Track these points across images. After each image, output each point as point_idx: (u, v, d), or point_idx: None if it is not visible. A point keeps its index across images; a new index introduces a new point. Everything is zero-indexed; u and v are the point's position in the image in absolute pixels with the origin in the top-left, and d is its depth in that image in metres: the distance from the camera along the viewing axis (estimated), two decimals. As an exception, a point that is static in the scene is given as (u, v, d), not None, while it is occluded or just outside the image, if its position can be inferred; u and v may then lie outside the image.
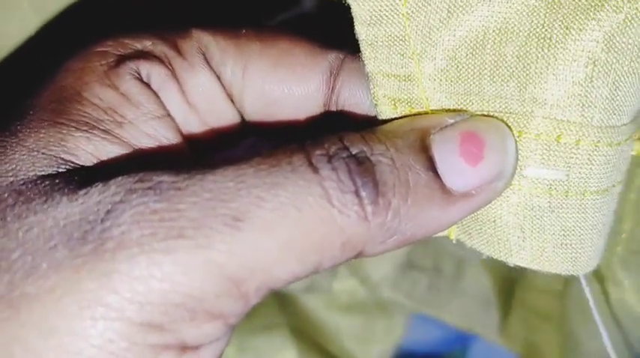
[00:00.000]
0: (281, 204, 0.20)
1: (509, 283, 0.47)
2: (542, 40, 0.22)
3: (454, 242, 0.27)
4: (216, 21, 0.27)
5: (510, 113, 0.23)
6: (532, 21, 0.22)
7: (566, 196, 0.24)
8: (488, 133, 0.23)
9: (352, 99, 0.26)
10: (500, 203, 0.25)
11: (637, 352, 0.38)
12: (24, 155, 0.22)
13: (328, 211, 0.21)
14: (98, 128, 0.23)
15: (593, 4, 0.21)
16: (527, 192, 0.24)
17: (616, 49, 0.22)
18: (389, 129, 0.24)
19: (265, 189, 0.20)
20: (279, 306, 0.48)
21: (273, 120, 0.27)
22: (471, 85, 0.23)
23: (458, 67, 0.23)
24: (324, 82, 0.26)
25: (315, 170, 0.21)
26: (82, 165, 0.22)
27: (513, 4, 0.22)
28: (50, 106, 0.23)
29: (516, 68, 0.23)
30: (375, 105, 0.25)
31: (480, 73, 0.23)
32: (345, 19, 0.24)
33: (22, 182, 0.21)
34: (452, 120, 0.23)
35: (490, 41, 0.23)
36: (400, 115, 0.25)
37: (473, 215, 0.25)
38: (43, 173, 0.21)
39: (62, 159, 0.22)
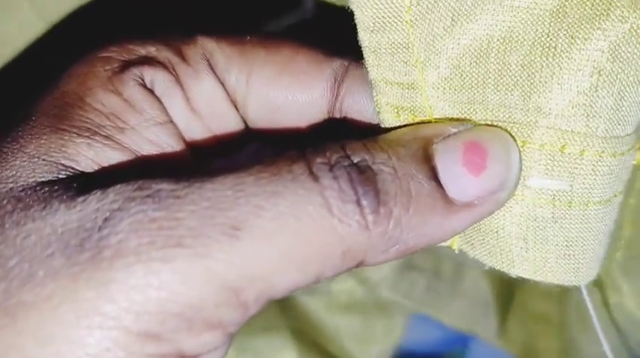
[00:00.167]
0: (280, 213, 0.20)
1: (509, 286, 0.47)
2: (546, 49, 0.21)
3: (457, 252, 0.26)
4: (219, 26, 0.27)
5: (514, 123, 0.23)
6: (537, 30, 0.21)
7: (570, 207, 0.23)
8: (492, 143, 0.22)
9: (356, 107, 0.26)
10: (503, 213, 0.24)
11: (636, 355, 0.38)
12: (24, 161, 0.21)
13: (328, 220, 0.20)
14: (100, 134, 0.22)
15: (598, 13, 0.21)
16: (531, 203, 0.23)
17: (621, 59, 0.21)
18: (391, 137, 0.23)
19: (265, 197, 0.20)
20: (279, 307, 0.48)
21: (277, 126, 0.26)
22: (474, 93, 0.23)
23: (462, 75, 0.23)
24: (328, 89, 0.26)
25: (316, 178, 0.21)
26: (83, 171, 0.22)
27: (518, 12, 0.21)
28: (53, 112, 0.23)
29: (520, 77, 0.22)
30: (378, 112, 0.24)
31: (484, 82, 0.22)
32: (349, 25, 0.23)
33: (21, 188, 0.21)
34: (455, 130, 0.23)
35: (494, 50, 0.22)
36: (403, 123, 0.24)
37: (475, 225, 0.24)
38: (42, 179, 0.21)
39: (62, 165, 0.21)
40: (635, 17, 0.20)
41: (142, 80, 0.24)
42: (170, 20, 0.31)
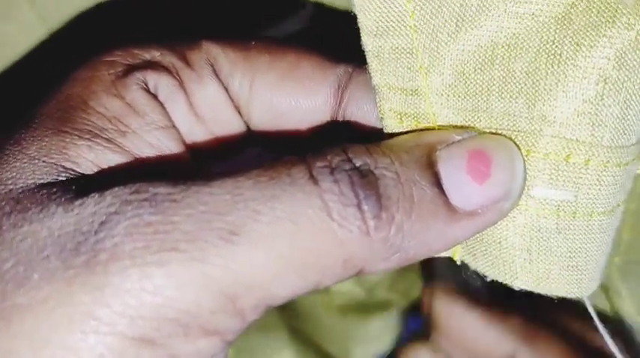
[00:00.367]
0: (277, 217, 0.19)
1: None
2: (551, 57, 0.21)
3: (458, 263, 0.25)
4: (222, 31, 0.26)
5: (518, 131, 0.22)
6: (542, 37, 0.21)
7: (574, 217, 0.23)
8: (496, 151, 0.22)
9: (359, 113, 0.25)
10: (507, 224, 0.23)
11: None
12: (25, 163, 0.21)
13: (327, 225, 0.19)
14: (101, 137, 0.22)
15: (604, 20, 0.20)
16: (535, 213, 0.23)
17: (627, 67, 0.20)
18: (394, 143, 0.22)
19: (262, 201, 0.19)
20: (277, 307, 0.48)
21: (280, 132, 0.26)
22: (479, 101, 0.22)
23: (466, 82, 0.22)
24: (332, 95, 0.25)
25: (316, 182, 0.20)
26: (83, 173, 0.21)
27: (523, 19, 0.21)
28: (56, 114, 0.22)
29: (525, 85, 0.21)
30: (382, 118, 0.24)
31: (489, 89, 0.22)
32: (353, 30, 0.22)
33: (20, 190, 0.20)
34: (459, 137, 0.22)
35: (499, 57, 0.21)
36: (406, 129, 0.23)
37: (478, 236, 0.24)
38: (42, 181, 0.20)
39: (63, 167, 0.21)
40: None
41: (146, 84, 0.23)
42: (172, 25, 0.31)
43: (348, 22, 0.22)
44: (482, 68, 0.22)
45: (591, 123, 0.21)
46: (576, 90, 0.21)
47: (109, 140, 0.22)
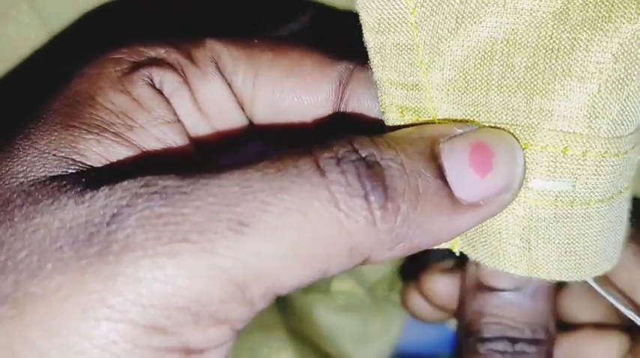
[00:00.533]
0: (286, 208, 0.20)
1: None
2: (549, 52, 0.21)
3: (457, 254, 0.26)
4: (224, 31, 0.27)
5: (517, 125, 0.23)
6: (540, 32, 0.21)
7: (572, 206, 0.23)
8: (498, 145, 0.22)
9: (360, 108, 0.26)
10: (506, 215, 0.24)
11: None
12: (35, 157, 0.21)
13: (335, 215, 0.20)
14: (109, 131, 0.22)
15: (600, 15, 0.21)
16: (533, 204, 0.23)
17: (624, 61, 0.21)
18: (398, 135, 0.23)
19: (271, 193, 0.20)
20: (277, 306, 0.47)
21: (282, 124, 0.26)
22: (478, 95, 0.23)
23: (466, 77, 0.23)
24: (333, 92, 0.26)
25: (322, 173, 0.20)
26: (92, 166, 0.22)
27: (521, 15, 0.21)
28: (64, 110, 0.23)
29: (524, 79, 0.22)
30: (383, 112, 0.24)
31: (488, 84, 0.22)
32: (355, 28, 0.23)
33: (31, 183, 0.21)
34: (461, 131, 0.23)
35: (498, 52, 0.22)
36: (407, 123, 0.24)
37: (477, 227, 0.24)
38: (52, 174, 0.21)
39: (72, 160, 0.22)
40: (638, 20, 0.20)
41: (151, 80, 0.24)
42: (175, 26, 0.31)
43: (348, 20, 0.23)
44: (482, 63, 0.22)
45: (588, 116, 0.22)
46: (573, 84, 0.22)
47: (116, 134, 0.23)
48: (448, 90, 0.23)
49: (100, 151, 0.22)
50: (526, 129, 0.23)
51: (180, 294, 0.19)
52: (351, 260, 0.21)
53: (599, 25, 0.21)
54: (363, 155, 0.21)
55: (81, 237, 0.19)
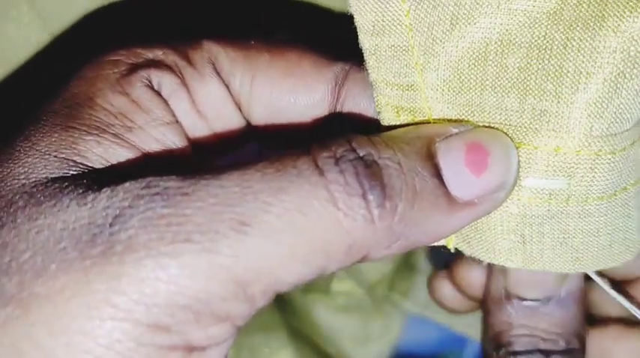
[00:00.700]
0: (286, 209, 0.20)
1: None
2: (543, 52, 0.22)
3: (452, 251, 0.26)
4: (222, 31, 0.27)
5: (510, 125, 0.23)
6: (534, 32, 0.22)
7: (567, 203, 0.24)
8: (493, 144, 0.23)
9: (356, 109, 0.26)
10: (500, 213, 0.24)
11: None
12: (36, 158, 0.22)
13: (334, 214, 0.21)
14: (108, 132, 0.23)
15: (594, 15, 0.21)
16: (527, 202, 0.24)
17: (618, 60, 0.21)
18: (395, 134, 0.23)
19: (271, 193, 0.20)
20: (277, 306, 0.48)
21: (279, 124, 0.27)
22: (472, 95, 0.23)
23: (460, 77, 0.23)
24: (329, 92, 0.26)
25: (321, 173, 0.21)
26: (93, 167, 0.22)
27: (516, 15, 0.22)
28: (63, 111, 0.23)
29: (517, 80, 0.22)
30: (379, 112, 0.25)
31: (482, 84, 0.23)
32: (350, 29, 0.24)
33: (33, 185, 0.21)
34: (456, 130, 0.23)
35: (492, 52, 0.22)
36: (403, 123, 0.25)
37: (472, 224, 0.25)
38: (54, 175, 0.22)
39: (73, 161, 0.22)
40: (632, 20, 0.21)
41: (150, 82, 0.25)
42: (173, 26, 0.31)
43: (344, 22, 0.24)
44: (476, 64, 0.23)
45: (580, 115, 0.22)
46: (565, 83, 0.22)
47: (115, 135, 0.23)
48: (443, 90, 0.24)
49: (100, 152, 0.23)
50: (519, 129, 0.23)
51: (182, 293, 0.20)
52: (350, 257, 0.21)
53: (592, 24, 0.21)
54: (361, 154, 0.22)
55: (84, 238, 0.20)
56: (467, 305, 0.35)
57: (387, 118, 0.25)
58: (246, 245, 0.20)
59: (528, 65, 0.22)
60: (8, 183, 0.22)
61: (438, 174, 0.22)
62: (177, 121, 0.25)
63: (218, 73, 0.26)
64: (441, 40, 0.23)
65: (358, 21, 0.23)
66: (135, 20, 0.31)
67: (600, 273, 0.28)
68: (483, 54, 0.23)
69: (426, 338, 0.51)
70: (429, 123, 0.24)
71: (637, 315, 0.28)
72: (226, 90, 0.26)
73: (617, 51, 0.21)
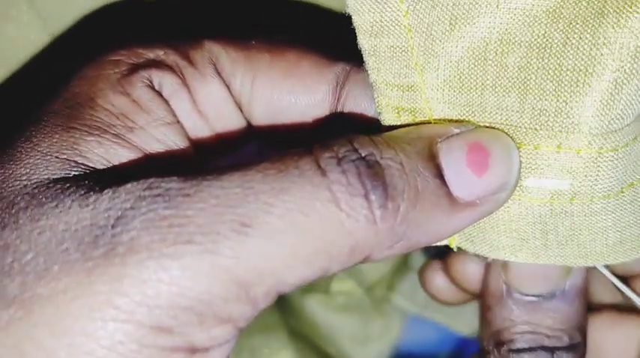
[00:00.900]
0: (288, 210, 0.20)
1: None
2: (542, 51, 0.22)
3: (455, 250, 0.27)
4: (223, 31, 0.28)
5: (511, 125, 0.23)
6: (533, 31, 0.22)
7: (572, 203, 0.24)
8: (494, 145, 0.23)
9: (357, 109, 0.26)
10: (502, 213, 0.24)
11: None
12: (38, 159, 0.22)
13: (336, 215, 0.21)
14: (110, 132, 0.23)
15: (593, 12, 0.21)
16: (528, 203, 0.24)
17: (618, 58, 0.21)
18: (396, 135, 0.24)
19: (273, 194, 0.20)
20: (277, 307, 0.48)
21: (280, 125, 0.27)
22: (473, 95, 0.23)
23: (461, 77, 0.23)
24: (330, 93, 0.26)
25: (323, 173, 0.21)
26: (94, 167, 0.22)
27: (515, 14, 0.22)
28: (64, 112, 0.23)
29: (517, 79, 0.23)
30: (379, 113, 0.25)
31: (483, 84, 0.23)
32: (350, 29, 0.24)
33: (34, 186, 0.21)
34: (457, 130, 0.23)
35: (492, 52, 0.23)
36: (403, 123, 0.25)
37: (474, 223, 0.25)
38: (55, 176, 0.22)
39: (75, 162, 0.22)
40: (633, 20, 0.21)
41: (150, 82, 0.25)
42: (173, 26, 0.32)
43: (344, 22, 0.24)
44: (476, 63, 0.23)
45: (579, 114, 0.22)
46: (564, 82, 0.22)
47: (117, 135, 0.23)
48: (443, 90, 0.24)
49: (101, 153, 0.23)
50: (519, 128, 0.23)
51: (184, 295, 0.20)
52: (352, 258, 0.22)
53: (591, 20, 0.21)
54: (363, 154, 0.22)
55: (86, 239, 0.20)
56: (461, 298, 0.34)
57: (388, 119, 0.25)
58: (247, 246, 0.20)
59: (528, 64, 0.22)
60: (10, 184, 0.22)
61: (439, 174, 0.23)
62: (178, 121, 0.25)
63: (219, 74, 0.26)
64: (440, 41, 0.23)
65: (356, 21, 0.23)
66: (135, 20, 0.32)
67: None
68: (483, 53, 0.23)
69: (426, 338, 0.51)
70: (430, 123, 0.25)
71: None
72: (227, 90, 0.27)
73: (619, 47, 0.21)
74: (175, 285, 0.20)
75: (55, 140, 0.23)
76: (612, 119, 0.22)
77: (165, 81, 0.25)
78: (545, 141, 0.23)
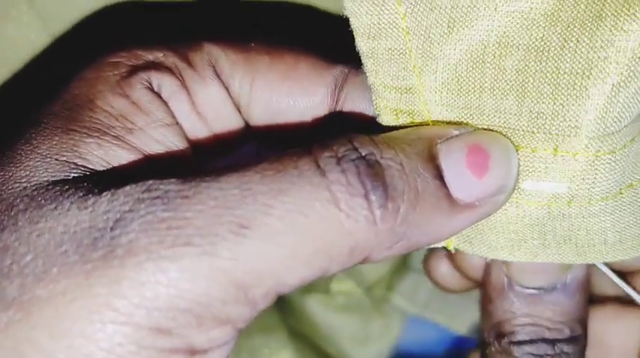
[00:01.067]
0: (287, 211, 0.20)
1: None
2: (540, 54, 0.22)
3: (453, 251, 0.27)
4: (222, 33, 0.28)
5: (509, 128, 0.23)
6: (531, 34, 0.22)
7: (569, 205, 0.24)
8: (493, 147, 0.23)
9: (355, 111, 0.26)
10: (500, 215, 0.25)
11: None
12: (38, 161, 0.22)
13: (336, 216, 0.21)
14: (109, 134, 0.23)
15: (591, 15, 0.21)
16: (526, 205, 0.24)
17: (613, 61, 0.21)
18: (396, 135, 0.24)
19: (272, 195, 0.20)
20: (277, 307, 0.48)
21: (278, 125, 0.27)
22: (471, 98, 0.23)
23: (459, 80, 0.23)
24: (329, 95, 0.26)
25: (323, 173, 0.21)
26: (94, 169, 0.22)
27: (513, 17, 0.22)
28: (63, 114, 0.24)
29: (515, 82, 0.23)
30: (378, 115, 0.25)
31: (481, 87, 0.23)
32: (348, 31, 0.24)
33: (34, 188, 0.21)
34: (457, 132, 0.23)
35: (490, 55, 0.23)
36: (402, 126, 0.25)
37: (473, 226, 0.25)
38: (55, 178, 0.22)
39: (74, 163, 0.22)
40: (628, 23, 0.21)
41: (150, 84, 0.25)
42: (173, 28, 0.32)
43: (342, 24, 0.24)
44: (474, 66, 0.23)
45: (576, 117, 0.22)
46: (561, 85, 0.22)
47: (116, 137, 0.23)
48: (441, 93, 0.24)
49: (101, 154, 0.23)
50: (517, 131, 0.23)
51: (183, 297, 0.20)
52: (352, 259, 0.22)
53: (589, 24, 0.21)
54: (363, 154, 0.22)
55: (85, 241, 0.20)
56: (465, 286, 0.34)
57: (386, 121, 0.25)
58: (245, 248, 0.20)
59: (526, 67, 0.22)
60: (9, 186, 0.22)
61: (439, 175, 0.23)
62: (177, 123, 0.25)
63: (218, 76, 0.26)
64: (438, 43, 0.23)
65: (354, 24, 0.23)
66: (136, 20, 0.32)
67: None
68: (481, 56, 0.23)
69: (426, 338, 0.51)
70: (429, 125, 0.25)
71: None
72: (226, 92, 0.27)
73: (617, 51, 0.21)
74: (174, 287, 0.20)
75: (54, 142, 0.23)
76: (609, 122, 0.22)
77: (164, 83, 0.25)
78: (543, 144, 0.23)
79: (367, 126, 0.26)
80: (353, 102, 0.26)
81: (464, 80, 0.23)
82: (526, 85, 0.23)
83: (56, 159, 0.22)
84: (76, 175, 0.22)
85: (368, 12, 0.23)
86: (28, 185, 0.22)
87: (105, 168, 0.23)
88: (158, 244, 0.20)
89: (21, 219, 0.21)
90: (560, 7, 0.22)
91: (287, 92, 0.27)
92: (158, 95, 0.25)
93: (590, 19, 0.21)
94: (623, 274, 0.31)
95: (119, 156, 0.23)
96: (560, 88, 0.22)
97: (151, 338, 0.20)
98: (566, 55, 0.22)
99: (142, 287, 0.20)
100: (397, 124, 0.25)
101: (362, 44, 0.24)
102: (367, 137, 0.23)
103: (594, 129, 0.22)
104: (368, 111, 0.26)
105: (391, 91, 0.24)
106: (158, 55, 0.26)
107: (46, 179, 0.22)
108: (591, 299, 0.32)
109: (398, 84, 0.24)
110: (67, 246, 0.20)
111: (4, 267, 0.20)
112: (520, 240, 0.25)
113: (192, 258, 0.20)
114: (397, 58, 0.24)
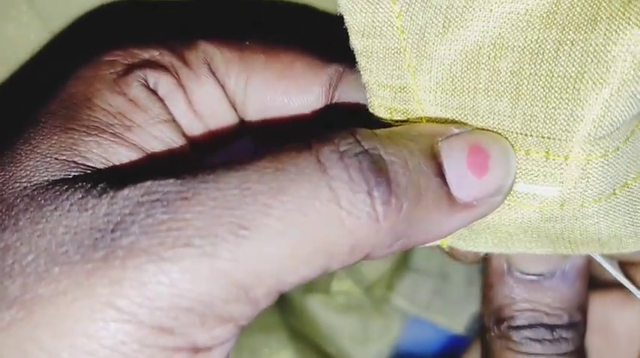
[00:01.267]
0: (287, 210, 0.20)
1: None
2: (534, 56, 0.22)
3: (446, 249, 0.27)
4: (218, 32, 0.28)
5: (502, 130, 0.24)
6: (526, 36, 0.22)
7: (562, 208, 0.24)
8: (493, 148, 0.23)
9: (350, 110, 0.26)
10: (493, 216, 0.25)
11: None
12: (38, 161, 0.22)
13: (336, 214, 0.21)
14: (108, 132, 0.23)
15: (587, 18, 0.21)
16: (519, 207, 0.24)
17: (606, 65, 0.21)
18: (398, 131, 0.24)
19: (271, 195, 0.20)
20: (277, 306, 0.48)
21: (273, 120, 0.27)
22: (465, 99, 0.23)
23: (453, 80, 0.23)
24: (323, 94, 0.27)
25: (323, 169, 0.21)
26: (94, 167, 0.23)
27: (508, 18, 0.22)
28: (61, 113, 0.24)
29: (510, 84, 0.23)
30: (372, 113, 0.25)
31: (475, 88, 0.23)
32: (343, 29, 0.24)
33: (34, 188, 0.22)
34: (457, 131, 0.23)
35: (485, 56, 0.23)
36: (397, 123, 0.25)
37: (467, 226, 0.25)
38: (55, 178, 0.22)
39: (74, 162, 0.22)
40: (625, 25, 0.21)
41: (146, 82, 0.25)
42: (170, 26, 0.32)
43: (338, 22, 0.24)
44: (469, 67, 0.23)
45: (567, 121, 0.23)
46: (555, 88, 0.22)
47: (115, 134, 0.24)
48: (436, 93, 0.24)
49: (100, 152, 0.23)
50: (511, 134, 0.24)
51: (185, 296, 0.20)
52: (352, 257, 0.22)
53: (584, 28, 0.21)
54: (367, 148, 0.22)
55: (86, 242, 0.20)
56: (475, 257, 0.34)
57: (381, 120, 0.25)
58: (244, 249, 0.20)
59: (521, 69, 0.22)
60: (10, 187, 0.22)
61: (440, 173, 0.23)
62: (174, 119, 0.26)
63: (214, 74, 0.27)
64: (433, 43, 0.23)
65: (349, 22, 0.24)
66: (135, 20, 0.32)
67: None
68: (476, 57, 0.23)
69: (426, 338, 0.51)
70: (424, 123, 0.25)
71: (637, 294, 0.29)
72: (222, 90, 0.27)
73: (612, 56, 0.21)
74: (175, 288, 0.20)
75: (54, 141, 0.23)
76: (602, 126, 0.22)
77: (160, 81, 0.26)
78: (535, 147, 0.23)
79: (361, 123, 0.26)
80: (347, 101, 0.27)
81: (458, 81, 0.23)
82: (520, 87, 0.23)
83: (56, 159, 0.23)
84: (76, 174, 0.22)
85: (362, 10, 0.23)
86: (29, 185, 0.22)
87: (105, 166, 0.23)
88: (158, 246, 0.20)
89: (22, 220, 0.21)
90: (555, 9, 0.22)
91: (282, 90, 0.27)
92: (154, 92, 0.25)
93: (585, 23, 0.21)
94: (623, 264, 0.31)
95: (118, 154, 0.23)
96: (552, 91, 0.22)
97: (154, 337, 0.20)
98: (560, 58, 0.22)
99: (144, 287, 0.20)
100: (392, 123, 0.25)
101: (356, 42, 0.24)
102: (370, 131, 0.22)
103: (586, 134, 0.23)
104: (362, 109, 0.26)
105: (385, 90, 0.25)
106: (154, 54, 0.26)
107: (46, 179, 0.22)
108: (596, 284, 0.32)
109: (392, 82, 0.24)
110: (68, 247, 0.20)
111: (6, 267, 0.20)
112: (514, 239, 0.26)
113: (193, 259, 0.20)
114: (392, 57, 0.24)
